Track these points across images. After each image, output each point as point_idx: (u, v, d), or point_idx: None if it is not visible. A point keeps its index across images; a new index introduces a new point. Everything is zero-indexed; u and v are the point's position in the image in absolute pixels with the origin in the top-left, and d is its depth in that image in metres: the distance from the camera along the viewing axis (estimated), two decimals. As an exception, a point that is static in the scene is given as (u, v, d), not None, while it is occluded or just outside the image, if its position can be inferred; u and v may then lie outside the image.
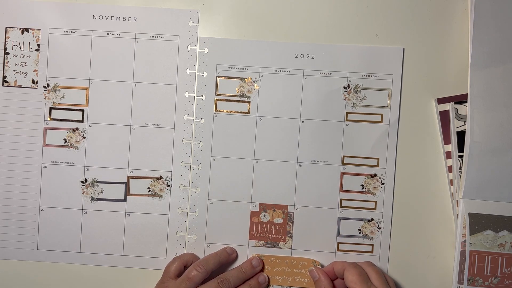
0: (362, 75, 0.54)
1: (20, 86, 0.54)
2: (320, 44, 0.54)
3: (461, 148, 0.52)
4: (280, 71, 0.54)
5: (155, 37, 0.54)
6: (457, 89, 0.53)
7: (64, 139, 0.54)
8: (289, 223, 0.54)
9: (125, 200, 0.54)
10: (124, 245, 0.54)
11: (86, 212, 0.54)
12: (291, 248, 0.54)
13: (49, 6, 0.54)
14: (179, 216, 0.54)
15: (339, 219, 0.54)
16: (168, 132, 0.54)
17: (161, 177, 0.54)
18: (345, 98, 0.54)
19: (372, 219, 0.54)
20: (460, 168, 0.52)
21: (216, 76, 0.54)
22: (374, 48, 0.54)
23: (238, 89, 0.54)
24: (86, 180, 0.54)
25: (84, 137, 0.54)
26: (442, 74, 0.54)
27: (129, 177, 0.54)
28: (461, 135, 0.52)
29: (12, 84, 0.54)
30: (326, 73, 0.54)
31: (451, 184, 0.53)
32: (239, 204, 0.54)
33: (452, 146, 0.53)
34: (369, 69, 0.54)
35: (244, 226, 0.54)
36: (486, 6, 0.51)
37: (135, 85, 0.54)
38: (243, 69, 0.54)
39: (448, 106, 0.53)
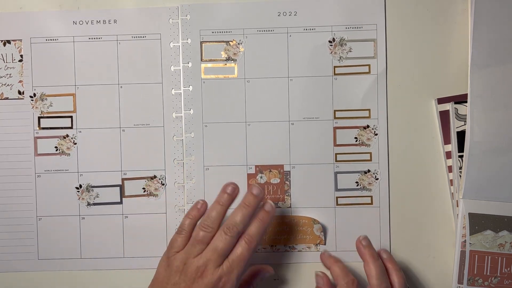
0: (346, 28, 0.54)
1: (7, 98, 0.55)
2: (301, 0, 0.54)
3: (461, 148, 0.52)
4: (264, 31, 0.54)
5: (136, 37, 0.54)
6: (457, 89, 0.53)
7: (55, 147, 0.55)
8: (286, 182, 0.54)
9: (121, 202, 0.54)
10: (124, 247, 0.54)
11: (84, 218, 0.54)
12: (290, 207, 0.54)
13: (28, 17, 0.54)
14: (177, 213, 0.54)
15: (336, 173, 0.54)
16: (158, 131, 0.54)
17: (155, 176, 0.54)
18: (331, 52, 0.54)
19: (369, 171, 0.54)
20: (460, 168, 0.52)
21: (201, 42, 0.54)
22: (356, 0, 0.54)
23: (223, 53, 0.54)
24: (80, 186, 0.54)
25: (75, 143, 0.54)
26: (442, 74, 0.54)
27: (123, 179, 0.54)
28: (461, 135, 0.52)
29: (-1, 97, 0.55)
30: (310, 29, 0.54)
31: (451, 184, 0.53)
32: (235, 168, 0.54)
33: (452, 146, 0.53)
34: (353, 21, 0.54)
35: (242, 189, 0.54)
36: (486, 6, 0.51)
37: (121, 86, 0.54)
38: (226, 32, 0.54)
39: (448, 106, 0.53)
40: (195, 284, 0.44)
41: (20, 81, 0.54)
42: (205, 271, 0.44)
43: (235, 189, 0.48)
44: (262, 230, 0.47)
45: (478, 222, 0.51)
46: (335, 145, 0.54)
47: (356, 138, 0.54)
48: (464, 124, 0.52)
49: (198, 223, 0.47)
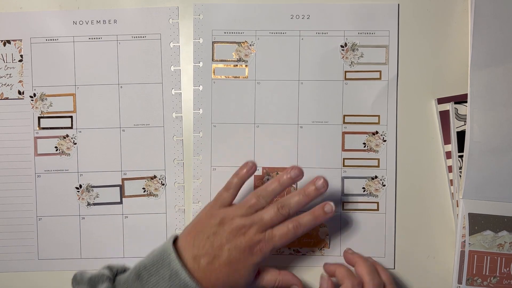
0: (359, 33, 0.54)
1: (7, 98, 0.55)
2: (315, 3, 0.54)
3: (461, 148, 0.52)
4: (276, 33, 0.54)
5: (136, 37, 0.54)
6: (457, 89, 0.53)
7: (55, 147, 0.55)
8: (293, 185, 0.54)
9: (121, 202, 0.54)
10: (124, 248, 0.54)
11: (84, 218, 0.54)
12: None
13: (28, 17, 0.54)
14: (177, 213, 0.54)
15: (343, 178, 0.54)
16: (158, 131, 0.54)
17: (155, 176, 0.54)
18: (343, 57, 0.54)
19: (376, 177, 0.54)
20: (460, 168, 0.52)
21: (212, 42, 0.54)
22: (369, 5, 0.53)
23: (235, 53, 0.54)
24: (80, 186, 0.54)
25: (75, 143, 0.54)
26: (442, 74, 0.54)
27: (123, 179, 0.54)
28: (461, 135, 0.52)
29: (-1, 97, 0.55)
30: (322, 33, 0.54)
31: (451, 184, 0.53)
32: None
33: (452, 146, 0.53)
34: (365, 26, 0.54)
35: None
36: (486, 6, 0.51)
37: (121, 86, 0.54)
38: (239, 33, 0.54)
39: (448, 106, 0.53)
40: (236, 240, 0.46)
41: (20, 81, 0.54)
42: (249, 231, 0.46)
43: (298, 176, 0.48)
44: (312, 225, 0.47)
45: (477, 222, 0.51)
46: (343, 150, 0.54)
47: (364, 143, 0.54)
48: (464, 124, 0.52)
49: (254, 191, 0.48)
